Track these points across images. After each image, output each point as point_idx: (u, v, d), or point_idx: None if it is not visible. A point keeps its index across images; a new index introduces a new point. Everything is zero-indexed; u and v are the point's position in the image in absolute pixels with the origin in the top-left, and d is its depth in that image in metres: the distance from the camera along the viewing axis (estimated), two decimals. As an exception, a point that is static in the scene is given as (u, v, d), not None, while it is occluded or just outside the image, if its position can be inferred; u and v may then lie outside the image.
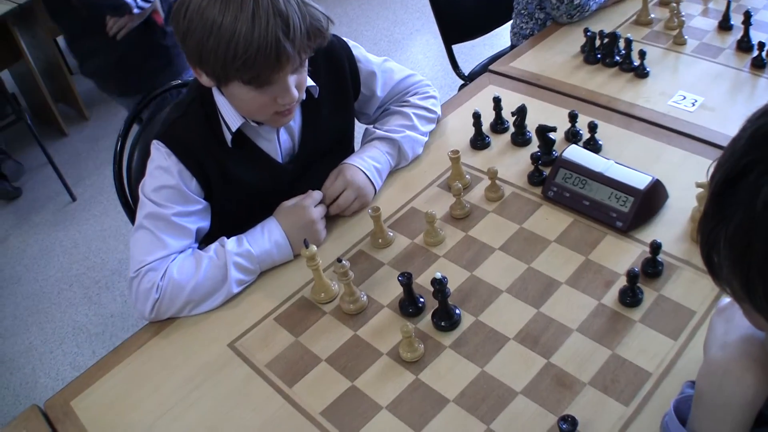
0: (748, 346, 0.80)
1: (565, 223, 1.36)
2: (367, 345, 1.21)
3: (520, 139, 1.58)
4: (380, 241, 1.39)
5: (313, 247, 1.25)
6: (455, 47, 2.60)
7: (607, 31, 1.81)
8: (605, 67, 1.79)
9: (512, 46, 2.37)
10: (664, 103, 1.63)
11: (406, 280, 1.20)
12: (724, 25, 1.85)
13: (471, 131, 1.60)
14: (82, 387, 1.24)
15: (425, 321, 1.22)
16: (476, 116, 1.56)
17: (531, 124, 1.55)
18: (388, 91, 1.61)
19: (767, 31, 1.79)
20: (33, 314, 2.98)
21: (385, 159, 1.53)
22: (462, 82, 2.61)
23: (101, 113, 4.22)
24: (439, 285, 1.15)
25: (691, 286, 1.19)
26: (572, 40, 1.93)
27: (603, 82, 1.74)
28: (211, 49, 1.16)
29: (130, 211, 1.72)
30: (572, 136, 1.55)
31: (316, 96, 1.45)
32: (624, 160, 1.38)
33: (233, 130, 1.35)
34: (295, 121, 1.46)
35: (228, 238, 1.36)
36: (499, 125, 1.63)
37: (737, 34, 1.79)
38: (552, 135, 1.48)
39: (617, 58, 1.78)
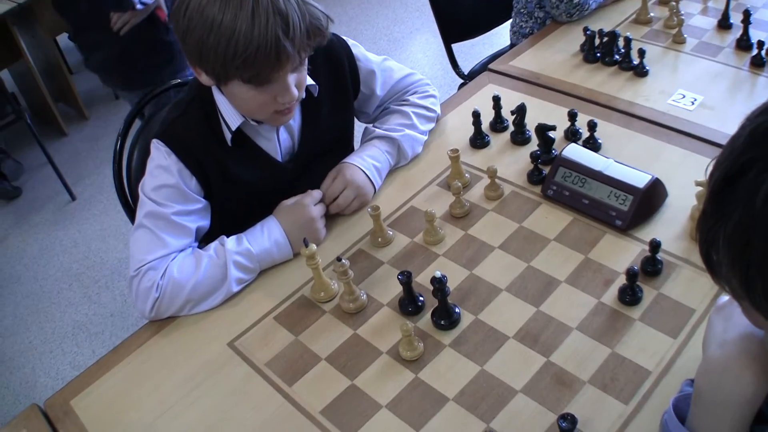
0: (747, 344, 0.80)
1: (565, 221, 1.36)
2: (366, 344, 1.21)
3: (519, 137, 1.58)
4: (380, 239, 1.39)
5: (313, 246, 1.25)
6: (455, 46, 2.60)
7: (606, 29, 1.81)
8: (605, 66, 1.80)
9: (512, 45, 2.38)
10: (663, 102, 1.63)
11: (406, 278, 1.20)
12: (724, 24, 1.85)
13: (470, 130, 1.60)
14: (82, 386, 1.24)
15: (425, 320, 1.22)
16: (476, 115, 1.57)
17: (530, 122, 1.55)
18: (388, 90, 1.61)
19: (766, 29, 1.79)
20: (33, 313, 2.98)
21: (385, 158, 1.53)
22: (461, 80, 2.61)
23: (101, 113, 4.23)
24: (439, 284, 1.15)
25: (690, 284, 1.19)
26: (572, 39, 1.93)
27: (602, 81, 1.74)
28: (210, 48, 1.16)
29: (130, 210, 1.72)
30: (572, 135, 1.55)
31: (316, 95, 1.45)
32: (623, 159, 1.38)
33: (233, 129, 1.35)
34: (295, 120, 1.47)
35: (228, 237, 1.36)
36: (498, 124, 1.63)
37: (736, 32, 1.79)
38: (551, 134, 1.48)
39: (617, 56, 1.78)
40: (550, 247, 1.31)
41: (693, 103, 1.61)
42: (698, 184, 1.24)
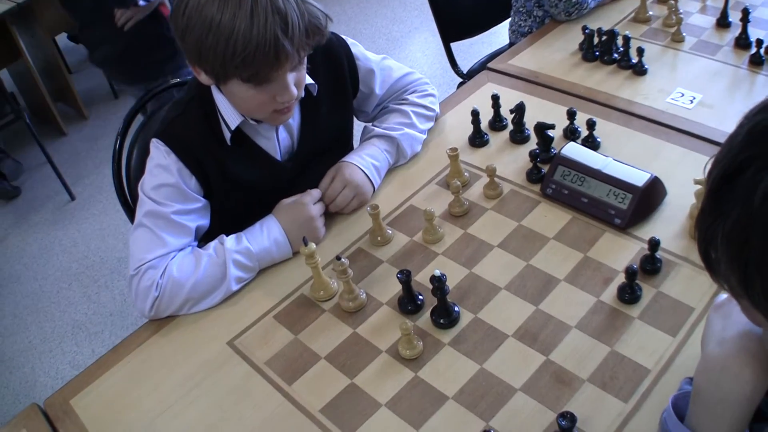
0: (745, 342, 0.80)
1: (564, 220, 1.36)
2: (366, 342, 1.21)
3: (518, 136, 1.58)
4: (379, 238, 1.39)
5: (312, 245, 1.25)
6: (454, 45, 2.60)
7: (605, 28, 1.81)
8: (603, 65, 1.80)
9: (510, 44, 2.38)
10: (662, 101, 1.63)
11: (405, 277, 1.20)
12: (723, 22, 1.85)
13: (469, 129, 1.60)
14: (82, 385, 1.24)
15: (424, 318, 1.22)
16: (475, 114, 1.57)
17: (529, 121, 1.55)
18: (387, 89, 1.61)
19: (765, 28, 1.79)
20: (32, 313, 2.98)
21: (384, 157, 1.53)
22: (460, 79, 2.61)
23: (100, 112, 4.23)
24: (438, 282, 1.15)
25: (689, 282, 1.19)
26: (570, 38, 1.93)
27: (601, 80, 1.74)
28: (210, 47, 1.16)
29: (129, 209, 1.72)
30: (571, 134, 1.55)
31: (315, 94, 1.45)
32: (622, 157, 1.38)
33: (232, 128, 1.35)
34: (294, 119, 1.47)
35: (227, 236, 1.36)
36: (497, 123, 1.63)
37: (735, 31, 1.79)
38: (550, 132, 1.48)
39: (615, 55, 1.78)
40: (549, 245, 1.31)
41: (692, 102, 1.61)
42: (697, 182, 1.24)
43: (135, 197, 1.65)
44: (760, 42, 1.67)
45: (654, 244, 1.19)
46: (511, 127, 1.60)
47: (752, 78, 1.67)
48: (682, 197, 1.33)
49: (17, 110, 3.44)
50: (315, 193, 1.43)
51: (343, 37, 1.52)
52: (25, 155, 3.86)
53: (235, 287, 1.33)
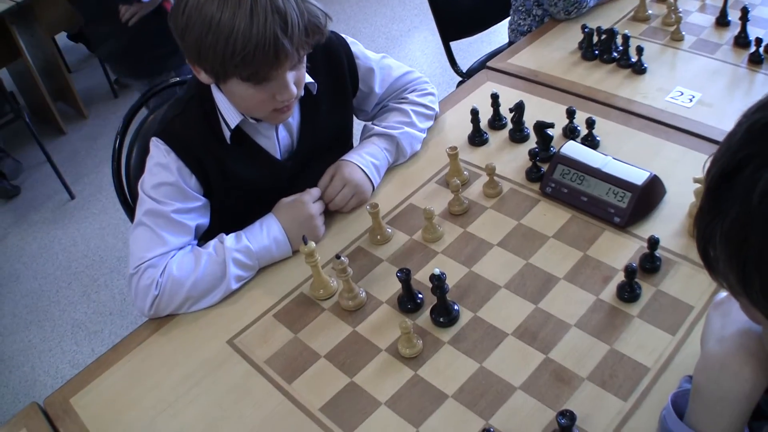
0: (745, 340, 0.80)
1: (563, 219, 1.36)
2: (366, 341, 1.21)
3: (518, 135, 1.58)
4: (379, 237, 1.39)
5: (312, 244, 1.25)
6: (453, 44, 2.60)
7: (604, 27, 1.81)
8: (603, 64, 1.80)
9: (510, 43, 2.38)
10: (661, 99, 1.63)
11: (405, 276, 1.20)
12: (722, 21, 1.85)
13: (469, 128, 1.60)
14: (82, 384, 1.24)
15: (424, 317, 1.23)
16: (474, 113, 1.57)
17: (529, 120, 1.55)
18: (387, 87, 1.61)
19: (764, 26, 1.79)
20: (32, 312, 2.98)
21: (383, 155, 1.53)
22: (460, 78, 2.61)
23: (100, 111, 4.23)
24: (438, 281, 1.15)
25: (689, 281, 1.19)
26: (570, 37, 1.93)
27: (601, 79, 1.75)
28: (209, 46, 1.16)
29: (129, 208, 1.72)
30: (570, 132, 1.55)
31: (315, 93, 1.45)
32: (622, 156, 1.38)
33: (232, 127, 1.35)
34: (294, 118, 1.47)
35: (227, 234, 1.36)
36: (497, 122, 1.63)
37: (734, 29, 1.79)
38: (550, 131, 1.48)
39: (615, 54, 1.78)
40: (548, 244, 1.31)
41: (691, 101, 1.61)
42: (696, 180, 1.25)
43: (134, 196, 1.65)
44: (759, 41, 1.67)
45: (653, 242, 1.19)
46: (510, 125, 1.60)
47: (751, 76, 1.67)
48: (682, 196, 1.33)
49: (17, 109, 3.44)
50: (315, 191, 1.43)
51: (343, 35, 1.52)
52: (24, 154, 3.86)
53: (234, 286, 1.33)
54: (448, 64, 2.64)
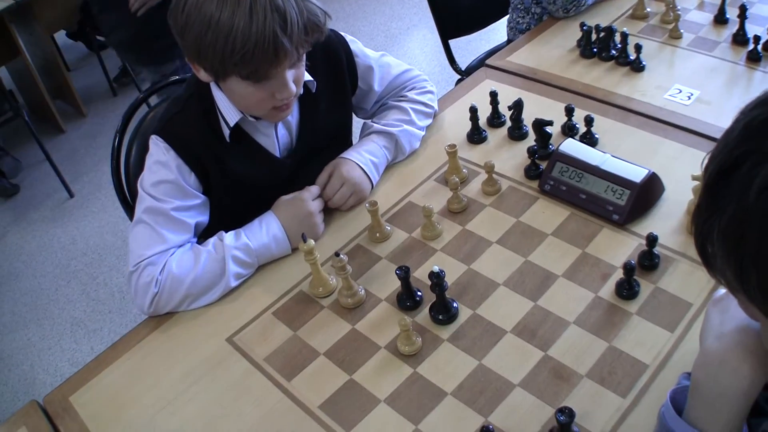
0: (743, 336, 0.81)
1: (562, 216, 1.36)
2: (365, 339, 1.21)
3: (516, 133, 1.58)
4: (378, 235, 1.39)
5: (311, 241, 1.26)
6: (452, 42, 2.60)
7: (603, 25, 1.82)
8: (601, 61, 1.80)
9: (509, 41, 2.38)
10: (660, 97, 1.63)
11: (404, 273, 1.20)
12: (720, 19, 1.85)
13: (468, 125, 1.60)
14: (81, 382, 1.24)
15: (423, 314, 1.23)
16: (473, 110, 1.57)
17: (528, 118, 1.56)
18: (386, 85, 1.61)
19: (762, 24, 1.79)
20: (31, 310, 2.98)
21: (382, 153, 1.53)
22: (459, 76, 2.61)
23: (99, 110, 4.22)
24: (437, 278, 1.15)
25: (687, 278, 1.20)
26: (568, 35, 1.93)
27: (599, 76, 1.75)
28: (209, 44, 1.17)
29: (128, 207, 1.72)
30: (569, 130, 1.55)
31: (314, 91, 1.45)
32: (620, 154, 1.38)
33: (231, 125, 1.35)
34: (293, 116, 1.47)
35: (226, 232, 1.36)
36: (495, 119, 1.63)
37: (733, 27, 1.79)
38: (548, 129, 1.49)
39: (613, 52, 1.78)
40: (547, 241, 1.32)
41: (689, 98, 1.61)
42: (695, 178, 1.25)
43: (134, 194, 1.65)
44: (757, 38, 1.67)
45: (652, 239, 1.19)
46: (509, 123, 1.60)
47: (749, 74, 1.67)
48: (680, 193, 1.33)
49: (16, 108, 3.44)
50: (314, 189, 1.44)
51: (342, 34, 1.53)
52: (23, 153, 3.86)
53: (234, 283, 1.34)
54: (447, 62, 2.64)
